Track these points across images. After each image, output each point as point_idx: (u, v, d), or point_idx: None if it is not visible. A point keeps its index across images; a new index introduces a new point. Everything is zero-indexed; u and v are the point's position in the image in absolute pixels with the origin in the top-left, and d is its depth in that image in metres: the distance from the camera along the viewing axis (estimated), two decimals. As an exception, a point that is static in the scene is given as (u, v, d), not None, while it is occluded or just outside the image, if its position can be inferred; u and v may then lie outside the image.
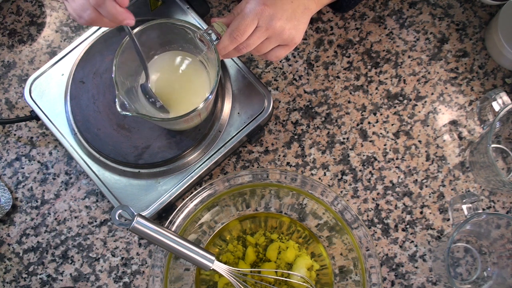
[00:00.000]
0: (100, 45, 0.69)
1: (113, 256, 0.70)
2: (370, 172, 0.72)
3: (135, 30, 0.57)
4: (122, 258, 0.70)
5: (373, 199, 0.71)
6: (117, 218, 0.52)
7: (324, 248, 0.67)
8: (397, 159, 0.72)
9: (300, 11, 0.59)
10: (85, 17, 0.51)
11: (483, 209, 0.71)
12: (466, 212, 0.63)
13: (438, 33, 0.76)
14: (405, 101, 0.74)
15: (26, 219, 0.71)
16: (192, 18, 0.71)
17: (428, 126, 0.73)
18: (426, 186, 0.71)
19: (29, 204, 0.71)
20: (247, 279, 0.63)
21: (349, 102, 0.74)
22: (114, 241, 0.71)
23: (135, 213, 0.53)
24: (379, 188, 0.71)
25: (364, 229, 0.60)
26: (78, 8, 0.51)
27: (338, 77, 0.75)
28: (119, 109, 0.55)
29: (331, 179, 0.72)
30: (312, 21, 0.77)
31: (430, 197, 0.71)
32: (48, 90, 0.69)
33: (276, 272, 0.66)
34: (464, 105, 0.74)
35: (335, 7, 0.67)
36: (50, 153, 0.73)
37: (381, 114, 0.74)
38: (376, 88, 0.74)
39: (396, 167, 0.72)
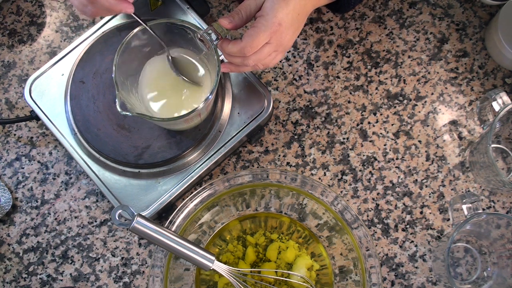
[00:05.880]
0: (100, 45, 0.69)
1: (113, 256, 0.70)
2: (370, 172, 0.72)
3: (135, 30, 0.57)
4: (122, 258, 0.70)
5: (373, 199, 0.71)
6: (117, 218, 0.52)
7: (324, 248, 0.67)
8: (397, 159, 0.72)
9: (302, 20, 0.60)
10: (87, 12, 0.55)
11: (483, 209, 0.71)
12: (466, 212, 0.63)
13: (438, 33, 0.76)
14: (405, 101, 0.74)
15: (26, 219, 0.71)
16: (192, 18, 0.71)
17: (428, 126, 0.73)
18: (426, 186, 0.71)
19: (29, 204, 0.71)
20: (247, 279, 0.63)
21: (349, 102, 0.74)
22: (114, 241, 0.71)
23: (135, 213, 0.53)
24: (379, 188, 0.71)
25: (364, 229, 0.60)
26: (79, 5, 0.54)
27: (338, 77, 0.75)
28: (119, 109, 0.55)
29: (331, 179, 0.72)
30: (312, 21, 0.77)
31: (430, 197, 0.71)
32: (48, 90, 0.69)
33: (276, 272, 0.66)
34: (464, 105, 0.74)
35: (333, 8, 0.67)
36: (50, 153, 0.73)
37: (381, 114, 0.74)
38: (376, 88, 0.74)
39: (396, 167, 0.72)
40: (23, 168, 0.73)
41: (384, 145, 0.73)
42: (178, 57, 0.63)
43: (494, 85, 0.74)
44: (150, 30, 0.57)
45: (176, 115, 0.63)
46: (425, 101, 0.74)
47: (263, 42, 0.56)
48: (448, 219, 0.70)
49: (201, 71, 0.64)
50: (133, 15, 0.57)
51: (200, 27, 0.63)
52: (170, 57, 0.62)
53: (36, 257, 0.70)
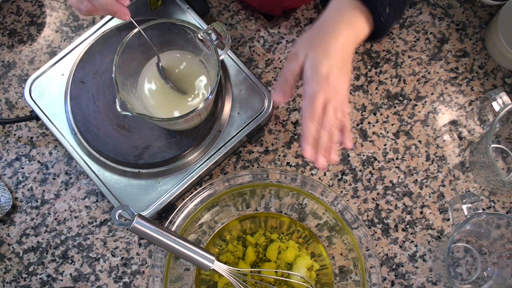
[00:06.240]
0: (100, 45, 0.69)
1: (113, 256, 0.70)
2: (370, 172, 0.72)
3: (135, 31, 0.57)
4: (122, 258, 0.70)
5: (373, 199, 0.71)
6: (117, 218, 0.52)
7: (324, 248, 0.67)
8: (397, 159, 0.72)
9: (348, 62, 0.57)
10: (83, 8, 0.54)
11: (483, 209, 0.71)
12: (466, 212, 0.63)
13: (438, 33, 0.76)
14: (405, 101, 0.74)
15: (26, 219, 0.71)
16: (192, 18, 0.71)
17: (428, 126, 0.73)
18: (426, 186, 0.71)
19: (29, 204, 0.71)
20: (247, 279, 0.63)
21: (349, 102, 0.74)
22: (114, 241, 0.71)
23: (135, 213, 0.53)
24: (379, 188, 0.71)
25: (364, 229, 0.60)
26: (75, 1, 0.54)
27: (338, 77, 0.75)
28: (119, 109, 0.55)
29: (331, 179, 0.72)
30: (313, 21, 0.77)
31: (430, 197, 0.71)
32: (48, 90, 0.69)
33: (276, 272, 0.66)
34: (464, 105, 0.74)
35: (370, 38, 0.63)
36: (50, 153, 0.73)
37: (381, 114, 0.74)
38: (376, 88, 0.74)
39: (396, 167, 0.72)
40: (23, 168, 0.73)
41: (384, 145, 0.73)
42: (171, 63, 0.63)
43: (494, 85, 0.74)
44: (145, 36, 0.57)
45: (176, 115, 0.63)
46: (425, 101, 0.74)
47: (322, 104, 0.53)
48: (448, 219, 0.70)
49: (194, 78, 0.64)
50: (131, 19, 0.56)
51: (200, 27, 0.63)
52: (160, 65, 0.62)
53: (36, 257, 0.70)
